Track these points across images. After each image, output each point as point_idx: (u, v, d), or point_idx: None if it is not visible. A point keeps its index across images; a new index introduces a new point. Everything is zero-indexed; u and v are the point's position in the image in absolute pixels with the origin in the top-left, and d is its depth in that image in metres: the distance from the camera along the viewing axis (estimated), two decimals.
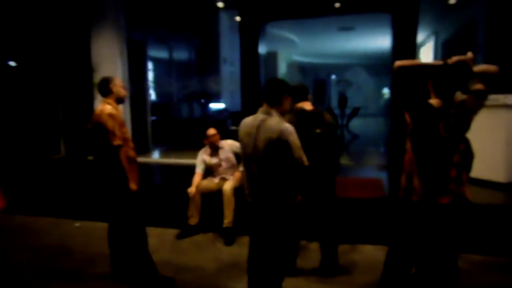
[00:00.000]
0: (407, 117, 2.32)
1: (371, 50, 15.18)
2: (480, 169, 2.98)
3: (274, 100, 2.46)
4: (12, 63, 8.53)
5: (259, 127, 2.40)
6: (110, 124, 2.88)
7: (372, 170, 6.19)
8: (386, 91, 20.32)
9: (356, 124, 12.73)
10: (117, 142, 2.89)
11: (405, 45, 5.79)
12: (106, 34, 7.05)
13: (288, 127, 2.39)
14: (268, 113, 2.44)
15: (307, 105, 3.15)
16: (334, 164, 3.19)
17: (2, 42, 8.11)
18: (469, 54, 2.17)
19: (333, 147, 3.15)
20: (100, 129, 2.91)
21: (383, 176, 5.72)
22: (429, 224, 2.25)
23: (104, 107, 2.97)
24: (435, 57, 9.70)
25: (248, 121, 2.51)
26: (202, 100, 12.43)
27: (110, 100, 3.03)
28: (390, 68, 6.85)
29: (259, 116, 2.46)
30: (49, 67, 7.76)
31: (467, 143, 2.29)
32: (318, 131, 3.03)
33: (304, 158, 2.43)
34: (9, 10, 7.76)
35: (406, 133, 2.37)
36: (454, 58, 2.19)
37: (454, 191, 2.19)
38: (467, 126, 2.20)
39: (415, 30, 5.78)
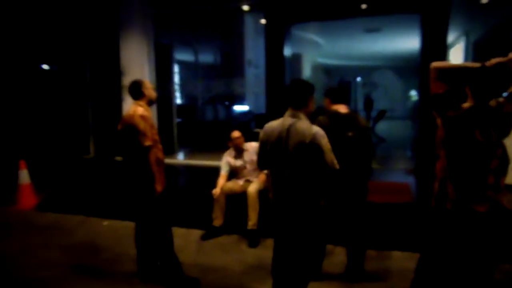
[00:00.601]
0: (439, 121, 2.24)
1: (398, 52, 14.86)
2: None
3: (300, 103, 2.45)
4: (45, 67, 8.88)
5: (289, 131, 2.38)
6: (142, 125, 2.95)
7: (399, 175, 6.05)
8: (413, 93, 19.83)
9: (382, 127, 12.48)
10: (148, 143, 2.96)
11: (434, 46, 5.63)
12: (135, 38, 7.23)
13: (319, 130, 2.38)
14: (296, 116, 2.42)
15: (342, 108, 3.10)
16: (365, 168, 3.13)
17: (36, 47, 8.46)
18: (511, 55, 2.08)
19: (365, 151, 3.09)
20: (131, 130, 2.98)
21: (410, 180, 5.58)
22: (464, 233, 2.17)
23: (136, 108, 3.05)
24: (466, 59, 9.38)
25: (275, 125, 2.48)
26: (226, 102, 12.53)
27: (141, 102, 3.11)
28: (418, 70, 6.69)
29: (287, 119, 2.43)
30: (81, 70, 8.03)
31: (504, 148, 2.20)
32: (350, 134, 2.98)
33: (335, 162, 2.41)
34: (43, 17, 8.09)
35: (435, 137, 2.30)
36: (494, 60, 2.10)
37: (492, 199, 2.10)
38: (506, 131, 2.10)
39: (445, 31, 5.61)
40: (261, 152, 2.57)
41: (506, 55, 2.11)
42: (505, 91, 2.13)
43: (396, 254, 3.71)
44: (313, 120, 2.73)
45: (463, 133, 2.12)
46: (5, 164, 6.72)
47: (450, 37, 8.47)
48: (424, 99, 6.13)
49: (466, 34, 9.56)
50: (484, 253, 2.17)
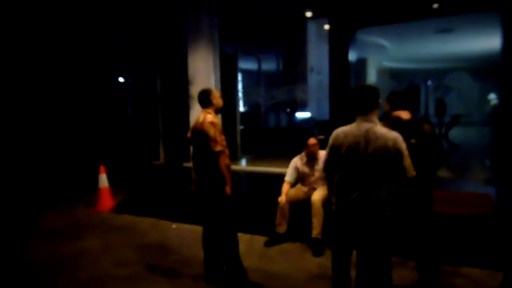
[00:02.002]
0: None
1: (473, 53, 13.79)
2: None
3: (370, 107, 2.41)
4: (121, 79, 9.64)
5: (368, 135, 2.35)
6: (212, 131, 3.08)
7: (477, 185, 5.58)
8: (492, 96, 18.24)
9: (457, 133, 11.61)
10: (218, 148, 3.08)
11: None
12: (202, 49, 7.56)
13: (399, 135, 2.36)
14: (371, 121, 2.39)
15: (405, 114, 2.96)
16: (430, 177, 2.95)
17: (113, 62, 9.24)
18: None
19: (430, 158, 2.91)
20: (202, 137, 3.12)
21: (491, 191, 5.11)
22: None
23: (206, 116, 3.19)
24: None
25: (348, 130, 2.44)
26: (288, 109, 12.54)
27: (210, 110, 3.25)
28: (498, 71, 6.14)
29: (363, 124, 2.39)
30: (152, 82, 8.59)
31: None
32: (413, 141, 2.82)
33: (412, 168, 2.36)
34: (117, 33, 8.82)
35: None
36: None
37: None
38: None
39: None
40: (331, 157, 2.53)
41: None
42: None
43: (475, 271, 3.41)
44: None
45: None
46: (88, 168, 7.37)
47: None
48: (506, 102, 5.61)
49: None
50: None
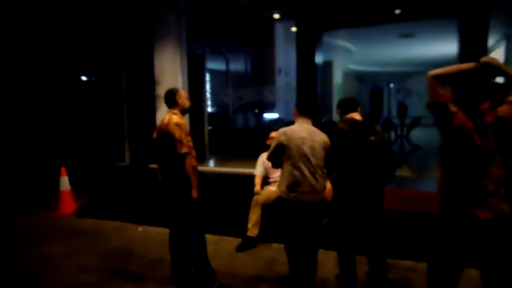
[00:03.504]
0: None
1: (433, 57, 14.42)
2: None
3: (314, 112, 2.98)
4: (84, 78, 9.30)
5: (313, 134, 2.84)
6: (177, 133, 3.02)
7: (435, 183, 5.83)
8: None
9: (417, 134, 12.10)
10: (184, 150, 3.02)
11: (474, 50, 5.42)
12: (169, 49, 7.44)
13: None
14: (309, 122, 2.92)
15: (357, 116, 3.15)
16: (388, 173, 3.09)
17: (75, 59, 8.90)
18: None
19: (387, 155, 3.09)
20: (167, 138, 3.06)
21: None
22: (467, 239, 2.09)
23: (171, 117, 3.12)
24: (507, 62, 8.98)
25: (295, 128, 2.87)
26: (256, 110, 12.58)
27: (176, 111, 3.18)
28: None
29: (304, 125, 2.89)
30: (117, 81, 8.34)
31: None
32: (372, 138, 3.00)
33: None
34: (80, 30, 8.51)
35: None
36: (486, 58, 2.02)
37: (495, 207, 2.01)
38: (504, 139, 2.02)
39: (485, 35, 5.39)
40: (276, 150, 2.86)
41: None
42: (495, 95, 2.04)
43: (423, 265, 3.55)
44: (332, 128, 3.06)
45: (462, 139, 2.05)
46: (47, 170, 7.05)
47: (490, 41, 8.14)
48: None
49: (507, 37, 9.17)
50: (491, 261, 2.07)
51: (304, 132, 2.81)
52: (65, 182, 5.84)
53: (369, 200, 3.03)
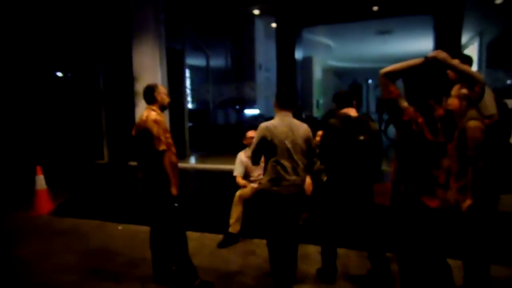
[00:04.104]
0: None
1: (410, 54, 14.56)
2: None
3: (295, 105, 3.00)
4: (60, 74, 9.05)
5: (294, 128, 2.87)
6: (155, 129, 2.98)
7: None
8: None
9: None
10: (162, 147, 2.98)
11: (448, 47, 5.54)
12: (147, 45, 7.32)
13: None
14: (290, 115, 2.93)
15: (352, 112, 3.11)
16: (375, 172, 3.12)
17: (50, 54, 8.64)
18: (453, 61, 2.09)
19: (376, 154, 3.08)
20: (145, 135, 3.02)
21: None
22: (417, 227, 2.18)
23: (149, 113, 3.08)
24: (480, 60, 9.27)
25: (276, 123, 2.88)
26: (237, 106, 12.56)
27: (154, 107, 3.14)
28: None
29: (285, 118, 2.90)
30: (94, 77, 8.16)
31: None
32: (361, 138, 2.98)
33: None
34: (55, 25, 8.27)
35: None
36: (434, 53, 2.12)
37: (443, 197, 2.11)
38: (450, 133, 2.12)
39: (459, 32, 5.55)
40: (259, 146, 2.89)
41: None
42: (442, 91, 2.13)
43: None
44: (324, 123, 3.04)
45: (413, 134, 2.12)
46: (22, 169, 6.85)
47: (464, 38, 8.37)
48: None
49: (480, 35, 9.44)
50: (439, 250, 2.17)
51: (285, 127, 2.85)
52: (41, 181, 5.69)
53: (357, 197, 3.07)
